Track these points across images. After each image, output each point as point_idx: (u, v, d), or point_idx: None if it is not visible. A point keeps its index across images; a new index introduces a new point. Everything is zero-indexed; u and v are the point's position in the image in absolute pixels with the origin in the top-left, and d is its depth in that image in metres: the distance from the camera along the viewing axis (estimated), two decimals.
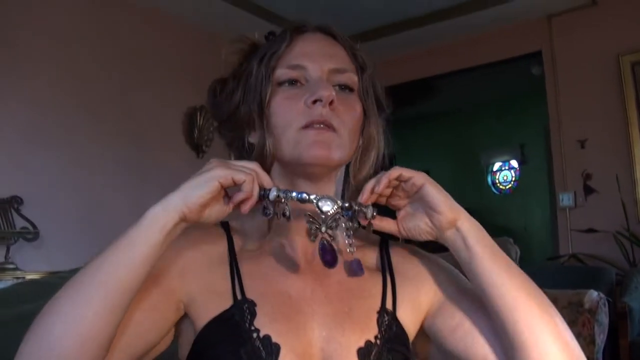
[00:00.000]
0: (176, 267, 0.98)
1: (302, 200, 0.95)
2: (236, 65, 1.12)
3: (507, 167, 8.09)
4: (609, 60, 5.17)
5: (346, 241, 0.99)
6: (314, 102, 1.00)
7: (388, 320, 1.01)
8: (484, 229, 1.00)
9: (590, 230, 5.00)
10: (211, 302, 0.97)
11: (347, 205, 0.97)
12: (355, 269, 1.01)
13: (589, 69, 5.28)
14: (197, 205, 0.88)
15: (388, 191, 1.00)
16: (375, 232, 1.05)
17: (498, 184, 8.16)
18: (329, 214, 0.96)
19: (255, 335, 0.93)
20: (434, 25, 5.61)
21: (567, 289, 4.24)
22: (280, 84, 1.05)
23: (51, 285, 1.85)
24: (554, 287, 4.42)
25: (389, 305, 1.03)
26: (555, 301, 2.62)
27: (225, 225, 1.09)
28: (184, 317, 1.00)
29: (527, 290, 0.95)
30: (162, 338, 0.97)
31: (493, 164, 8.18)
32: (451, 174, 8.31)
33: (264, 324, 0.94)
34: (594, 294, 2.72)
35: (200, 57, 4.69)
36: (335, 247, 0.99)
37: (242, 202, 0.92)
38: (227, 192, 0.93)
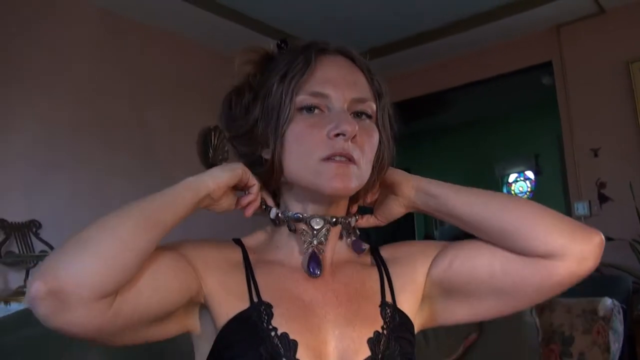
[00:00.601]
0: (200, 258, 1.07)
1: (297, 220, 1.13)
2: (251, 75, 1.15)
3: (522, 178, 8.08)
4: (618, 67, 5.17)
5: (348, 239, 1.20)
6: (337, 134, 1.04)
7: (390, 312, 1.11)
8: (436, 180, 1.18)
9: (606, 239, 4.94)
10: (230, 301, 1.04)
11: (334, 220, 1.13)
12: (356, 247, 1.18)
13: (599, 77, 5.29)
14: (222, 185, 1.06)
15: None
16: (362, 237, 1.21)
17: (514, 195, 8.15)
18: (319, 229, 1.12)
19: (273, 333, 0.99)
20: (446, 39, 5.65)
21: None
22: (300, 109, 1.07)
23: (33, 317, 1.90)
24: (570, 297, 4.43)
25: (388, 298, 1.14)
26: (569, 309, 2.65)
27: (238, 242, 1.18)
28: (202, 322, 1.07)
29: (498, 197, 1.14)
30: (174, 308, 1.00)
31: (508, 175, 8.17)
32: (465, 185, 8.30)
33: (281, 324, 1.01)
34: (607, 301, 2.73)
35: (215, 78, 4.76)
36: (322, 259, 1.13)
37: (247, 206, 1.13)
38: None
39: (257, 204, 1.14)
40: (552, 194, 7.27)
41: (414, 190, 1.17)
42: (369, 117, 1.13)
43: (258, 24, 5.11)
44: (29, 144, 4.11)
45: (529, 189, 8.02)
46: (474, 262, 1.13)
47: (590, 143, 5.28)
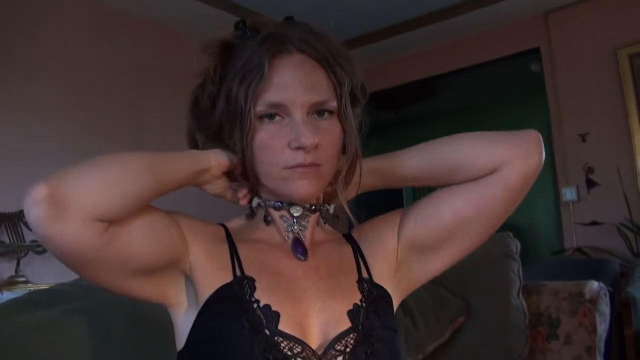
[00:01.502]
0: (189, 227, 1.11)
1: (278, 208, 1.18)
2: (212, 68, 1.16)
3: None
4: (606, 53, 5.21)
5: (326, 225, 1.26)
6: (298, 147, 1.08)
7: (367, 286, 1.16)
8: (378, 156, 1.25)
9: (594, 223, 5.04)
10: (214, 272, 1.08)
11: (313, 208, 1.20)
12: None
13: (587, 63, 5.33)
14: (223, 164, 1.12)
15: None
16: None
17: None
18: (299, 217, 1.18)
19: (255, 305, 1.03)
20: (433, 25, 5.67)
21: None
22: (261, 117, 1.10)
23: (65, 293, 1.92)
24: (559, 279, 4.48)
25: (364, 274, 1.19)
26: (556, 293, 2.68)
27: (221, 224, 1.23)
28: (186, 293, 1.10)
29: (434, 144, 1.22)
30: (161, 263, 1.04)
31: None
32: None
33: (263, 296, 1.05)
34: (594, 284, 2.75)
35: None
36: (305, 241, 1.19)
37: (242, 197, 1.19)
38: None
39: (252, 193, 1.19)
40: (540, 179, 7.20)
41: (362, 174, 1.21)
42: (331, 112, 1.14)
43: (251, 13, 5.10)
44: (21, 135, 4.12)
45: None
46: (436, 209, 1.20)
47: (578, 128, 5.33)
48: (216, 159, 1.11)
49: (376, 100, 6.75)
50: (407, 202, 8.88)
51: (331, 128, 1.13)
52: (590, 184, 5.27)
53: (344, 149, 1.17)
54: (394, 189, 1.32)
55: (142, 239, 0.98)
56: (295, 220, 1.18)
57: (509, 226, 5.84)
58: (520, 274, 2.79)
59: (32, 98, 4.22)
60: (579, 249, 5.15)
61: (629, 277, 4.15)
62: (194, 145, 1.22)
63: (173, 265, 1.06)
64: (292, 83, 1.09)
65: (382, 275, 1.21)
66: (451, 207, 1.18)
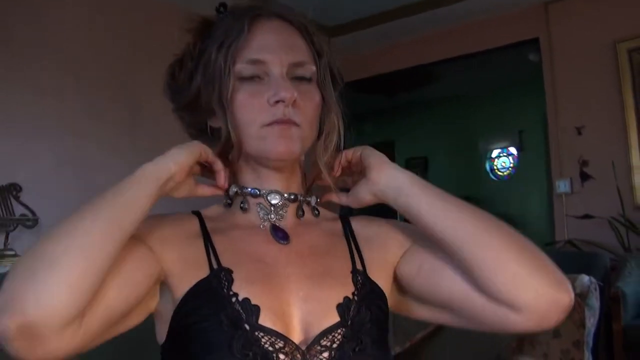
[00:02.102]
0: (156, 238, 1.03)
1: (254, 195, 1.13)
2: (191, 44, 1.13)
3: (505, 154, 8.11)
4: (605, 47, 5.18)
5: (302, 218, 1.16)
6: (277, 101, 1.05)
7: (362, 279, 1.07)
8: (416, 176, 1.08)
9: (586, 217, 5.03)
10: (189, 272, 1.01)
11: (292, 197, 1.14)
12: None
13: (586, 55, 5.29)
14: (184, 164, 1.02)
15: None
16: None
17: (496, 171, 8.18)
18: (277, 205, 1.12)
19: (234, 299, 0.97)
20: (433, 11, 5.62)
21: None
22: (242, 78, 1.07)
23: None
24: None
25: (359, 266, 1.10)
26: None
27: (196, 212, 1.16)
28: (161, 296, 1.03)
29: (472, 221, 1.01)
30: (139, 300, 0.97)
31: (491, 151, 8.19)
32: (449, 160, 8.34)
33: (242, 288, 0.98)
34: (584, 278, 2.75)
35: None
36: (284, 227, 1.12)
37: (222, 181, 1.11)
38: (197, 180, 1.12)
39: (227, 174, 1.12)
40: (534, 171, 7.32)
41: (384, 179, 1.08)
42: (309, 80, 1.12)
43: None
44: (9, 107, 4.08)
45: (511, 165, 8.04)
46: (437, 280, 1.05)
47: (574, 121, 5.30)
48: (175, 162, 1.00)
49: (371, 85, 6.77)
50: None
51: (310, 93, 1.11)
52: (584, 177, 5.26)
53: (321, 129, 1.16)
54: None
55: (117, 295, 0.91)
56: (272, 209, 1.12)
57: (501, 215, 5.89)
58: None
59: (26, 73, 4.17)
60: (570, 242, 5.14)
61: (620, 272, 4.15)
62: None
63: (151, 287, 1.00)
64: (272, 43, 1.09)
65: (379, 278, 1.10)
66: (449, 295, 1.04)
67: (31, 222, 4.00)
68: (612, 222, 4.87)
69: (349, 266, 1.09)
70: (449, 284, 1.03)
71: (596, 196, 5.14)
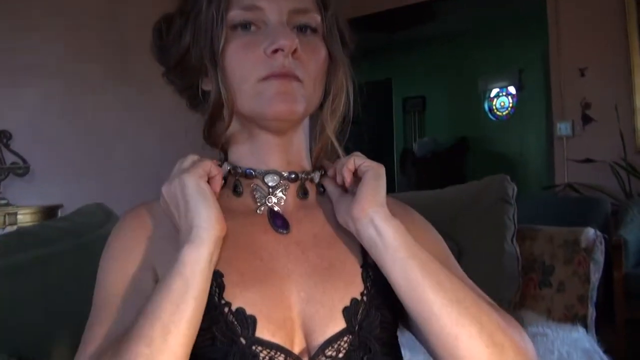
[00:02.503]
0: (149, 250, 0.95)
1: (249, 176, 0.99)
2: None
3: (504, 93, 7.98)
4: None
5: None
6: (275, 51, 0.91)
7: (373, 274, 0.93)
8: (402, 228, 0.90)
9: (587, 161, 4.96)
10: None
11: (292, 176, 0.99)
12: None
13: None
14: (214, 211, 0.87)
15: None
16: None
17: (495, 111, 8.06)
18: (275, 187, 0.98)
19: (227, 309, 0.86)
20: None
21: (562, 224, 4.24)
22: (234, 27, 0.94)
23: (40, 235, 1.82)
24: (549, 218, 4.41)
25: (370, 259, 0.93)
26: (550, 239, 2.60)
27: None
28: None
29: (447, 292, 0.86)
30: None
31: (490, 90, 8.06)
32: (447, 99, 8.24)
33: (235, 295, 0.87)
34: (590, 232, 2.67)
35: None
36: (282, 212, 0.98)
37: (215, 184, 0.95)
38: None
39: (220, 178, 0.95)
40: (534, 111, 7.21)
41: (364, 214, 0.90)
42: (314, 31, 0.98)
43: None
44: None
45: (510, 105, 7.93)
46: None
47: (577, 62, 5.19)
48: (209, 223, 0.86)
49: (369, 23, 6.61)
50: (397, 139, 8.77)
51: (314, 45, 0.97)
52: (586, 119, 5.18)
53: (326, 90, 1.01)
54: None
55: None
56: (270, 191, 0.98)
57: (499, 155, 5.86)
58: (516, 219, 2.70)
59: (10, 13, 4.04)
60: (570, 185, 5.09)
61: (621, 219, 4.10)
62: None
63: None
64: None
65: None
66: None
67: (22, 170, 3.93)
68: (613, 166, 4.80)
69: (359, 259, 0.95)
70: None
71: (598, 140, 5.07)
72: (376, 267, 0.91)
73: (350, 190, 0.97)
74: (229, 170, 0.99)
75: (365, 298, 0.90)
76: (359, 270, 0.93)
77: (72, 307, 1.69)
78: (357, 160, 0.96)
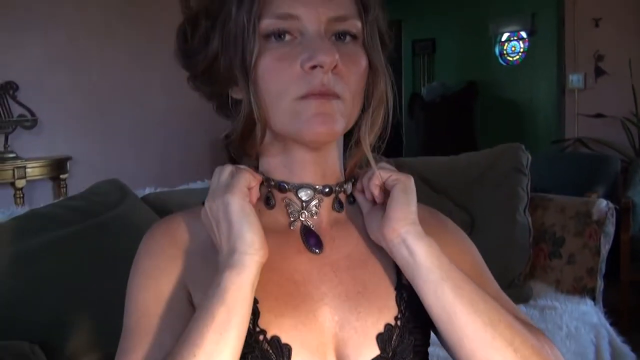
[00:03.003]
0: (185, 270, 0.92)
1: (282, 190, 0.94)
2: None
3: (515, 38, 7.85)
4: None
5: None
6: (313, 66, 0.84)
7: (407, 296, 0.91)
8: (436, 247, 0.88)
9: (599, 116, 4.93)
10: None
11: (326, 190, 0.94)
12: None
13: None
14: (258, 236, 0.84)
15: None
16: None
17: (506, 55, 7.95)
18: (308, 201, 0.94)
19: (262, 337, 0.84)
20: None
21: (571, 182, 4.24)
22: (268, 36, 0.86)
23: (55, 217, 1.81)
24: (558, 175, 4.43)
25: (405, 279, 0.91)
26: (562, 210, 2.60)
27: None
28: None
29: (481, 315, 0.85)
30: None
31: (502, 34, 7.93)
32: (458, 43, 8.09)
33: (270, 322, 0.86)
34: (602, 204, 2.68)
35: None
36: (317, 229, 0.94)
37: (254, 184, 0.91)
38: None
39: (257, 189, 0.92)
40: (545, 58, 7.10)
41: (395, 234, 0.88)
42: (354, 37, 0.90)
43: None
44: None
45: (521, 49, 7.80)
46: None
47: (592, 12, 5.09)
48: (249, 249, 0.83)
49: None
50: (405, 83, 8.67)
51: (355, 56, 0.89)
52: (599, 72, 5.12)
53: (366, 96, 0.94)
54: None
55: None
56: (304, 205, 0.94)
57: (508, 101, 5.80)
58: (529, 189, 2.70)
59: None
60: (580, 140, 5.07)
61: (630, 179, 4.09)
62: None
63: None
64: None
65: None
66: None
67: (30, 122, 3.90)
68: (624, 122, 4.76)
69: (393, 279, 0.93)
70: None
71: (610, 93, 5.02)
72: (411, 288, 0.89)
73: (380, 202, 0.94)
74: (262, 181, 0.94)
75: (399, 322, 0.89)
76: (393, 293, 0.92)
77: (90, 290, 1.71)
78: (384, 173, 0.92)
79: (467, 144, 7.19)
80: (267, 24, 0.85)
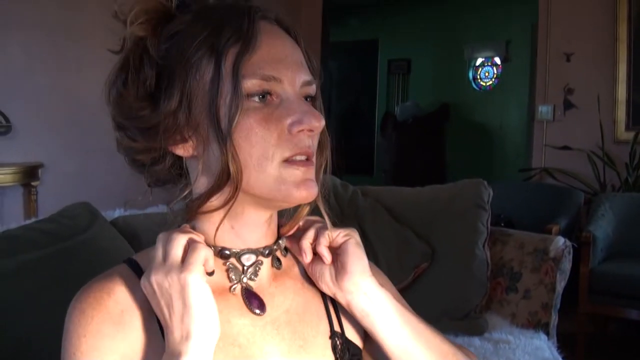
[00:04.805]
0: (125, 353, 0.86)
1: (225, 257, 0.90)
2: (149, 41, 0.86)
3: (489, 63, 7.98)
4: None
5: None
6: (300, 130, 0.84)
7: (341, 344, 0.94)
8: (389, 295, 0.93)
9: (565, 148, 5.03)
10: None
11: (267, 252, 0.93)
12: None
13: None
14: (215, 319, 0.81)
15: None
16: None
17: (479, 80, 8.07)
18: (249, 265, 0.91)
19: None
20: None
21: (535, 212, 4.34)
22: (249, 96, 0.82)
23: (27, 240, 1.83)
24: (522, 204, 4.52)
25: (336, 326, 0.96)
26: (522, 246, 2.67)
27: (134, 266, 0.91)
28: None
29: (434, 350, 0.93)
30: None
31: (476, 59, 8.05)
32: (432, 65, 8.20)
33: None
34: (560, 241, 2.75)
35: None
36: (256, 289, 0.92)
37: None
38: None
39: (211, 263, 0.87)
40: (517, 86, 7.24)
41: (356, 287, 0.92)
42: (313, 100, 0.91)
43: None
44: None
45: (494, 75, 7.94)
46: None
47: (564, 46, 5.20)
48: (204, 332, 0.80)
49: None
50: (380, 102, 8.73)
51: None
52: (568, 105, 5.22)
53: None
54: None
55: None
56: (245, 268, 0.91)
57: (479, 125, 5.92)
58: (489, 224, 2.77)
59: None
60: (546, 170, 5.17)
61: (592, 213, 4.18)
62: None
63: None
64: (285, 55, 0.86)
65: (354, 330, 0.98)
66: None
67: (4, 128, 3.89)
68: (590, 155, 4.87)
69: (326, 329, 0.95)
70: None
71: (578, 126, 5.13)
72: (341, 335, 0.95)
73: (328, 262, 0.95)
74: None
75: None
76: (328, 342, 0.94)
77: (55, 315, 1.73)
78: (331, 233, 0.93)
79: (436, 166, 7.30)
80: (252, 84, 0.82)
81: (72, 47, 4.31)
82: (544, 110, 5.31)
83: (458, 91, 7.98)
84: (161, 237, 0.85)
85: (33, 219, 2.15)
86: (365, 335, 0.99)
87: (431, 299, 2.62)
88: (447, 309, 2.63)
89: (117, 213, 2.29)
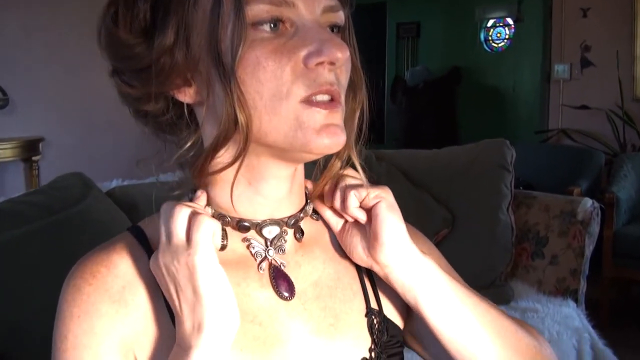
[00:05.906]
0: (126, 336, 0.75)
1: (244, 229, 0.77)
2: None
3: (501, 24, 7.76)
4: None
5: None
6: (320, 63, 0.69)
7: (378, 322, 0.82)
8: (434, 265, 0.79)
9: (583, 107, 4.87)
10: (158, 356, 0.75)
11: (292, 222, 0.80)
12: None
13: None
14: (232, 308, 0.69)
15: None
16: None
17: (490, 41, 7.86)
18: (273, 238, 0.79)
19: None
20: None
21: (555, 175, 4.18)
22: (256, 24, 0.68)
23: (14, 214, 1.71)
24: (541, 168, 4.36)
25: (373, 303, 0.84)
26: (547, 208, 2.52)
27: (139, 235, 0.79)
28: None
29: (490, 325, 0.80)
30: None
31: (487, 20, 7.83)
32: (442, 28, 7.98)
33: None
34: (588, 203, 2.61)
35: None
36: (286, 270, 0.80)
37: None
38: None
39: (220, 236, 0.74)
40: (531, 47, 7.02)
41: (394, 260, 0.78)
42: (339, 30, 0.75)
43: None
44: None
45: (507, 36, 7.72)
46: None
47: (580, 1, 5.03)
48: (218, 329, 0.68)
49: None
50: (389, 66, 8.56)
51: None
52: (585, 63, 5.06)
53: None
54: None
55: None
56: (270, 243, 0.79)
57: (491, 88, 5.69)
58: (513, 186, 2.63)
59: None
60: (564, 131, 5.01)
61: (614, 173, 4.03)
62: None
63: None
64: None
65: (395, 308, 0.86)
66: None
67: (2, 102, 3.78)
68: (609, 114, 4.70)
69: (361, 306, 0.83)
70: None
71: (595, 85, 4.98)
72: (379, 312, 0.83)
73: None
74: (212, 215, 0.77)
75: (373, 354, 0.81)
76: (364, 320, 0.82)
77: (47, 295, 1.62)
78: (360, 192, 0.79)
79: (448, 130, 7.14)
80: (259, 9, 0.68)
81: (72, 19, 4.17)
82: (560, 69, 5.15)
83: (469, 54, 7.76)
84: (163, 209, 0.71)
85: None
86: (407, 313, 0.87)
87: (453, 266, 2.49)
88: (470, 277, 2.46)
89: (115, 184, 2.15)
